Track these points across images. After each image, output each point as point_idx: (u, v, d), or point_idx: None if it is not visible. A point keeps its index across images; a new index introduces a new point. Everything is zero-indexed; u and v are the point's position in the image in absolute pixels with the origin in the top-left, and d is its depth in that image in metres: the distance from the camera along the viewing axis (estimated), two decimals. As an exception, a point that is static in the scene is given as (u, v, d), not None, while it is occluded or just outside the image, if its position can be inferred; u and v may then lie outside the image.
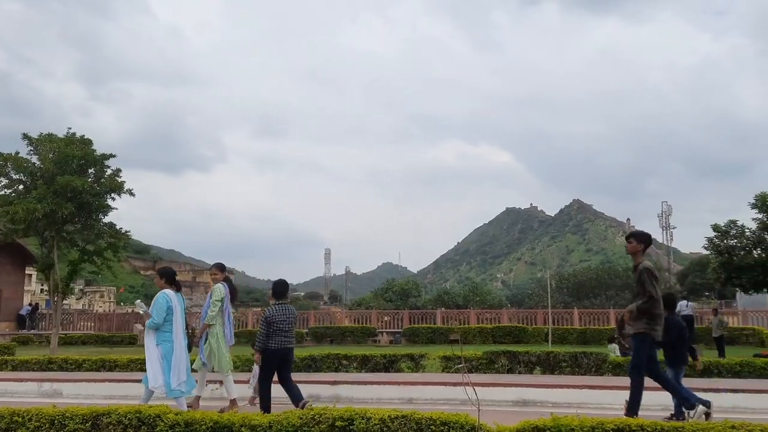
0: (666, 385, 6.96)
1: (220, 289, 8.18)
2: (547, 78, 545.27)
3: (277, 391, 7.97)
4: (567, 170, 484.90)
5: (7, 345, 18.09)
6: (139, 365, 11.88)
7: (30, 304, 37.06)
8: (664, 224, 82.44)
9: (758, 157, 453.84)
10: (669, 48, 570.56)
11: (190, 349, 7.83)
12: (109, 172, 22.21)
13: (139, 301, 7.95)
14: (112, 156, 22.40)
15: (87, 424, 5.58)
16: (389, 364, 12.39)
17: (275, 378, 7.59)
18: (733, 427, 4.66)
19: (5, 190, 21.67)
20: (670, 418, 7.27)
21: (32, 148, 21.77)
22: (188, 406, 7.26)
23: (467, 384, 6.40)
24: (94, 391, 10.39)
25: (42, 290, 66.30)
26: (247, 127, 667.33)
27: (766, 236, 24.23)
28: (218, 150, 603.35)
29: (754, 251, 24.55)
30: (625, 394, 6.77)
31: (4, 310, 32.48)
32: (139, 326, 28.20)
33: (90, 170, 21.97)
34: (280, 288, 7.84)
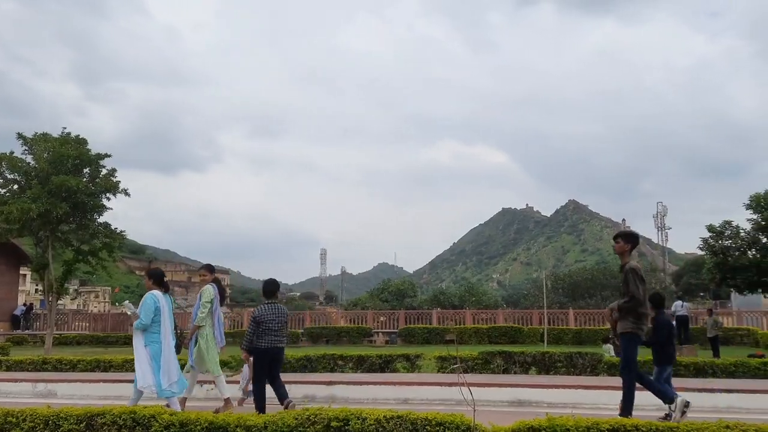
0: (641, 381, 6.96)
1: (209, 291, 8.16)
2: (543, 78, 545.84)
3: (271, 391, 7.96)
4: (563, 171, 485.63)
5: (2, 345, 18.06)
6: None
7: (24, 305, 36.90)
8: (659, 225, 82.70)
9: (754, 158, 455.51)
10: (665, 49, 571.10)
11: (178, 350, 7.82)
12: (104, 171, 22.20)
13: (127, 301, 7.96)
14: (107, 156, 22.38)
15: (81, 425, 5.57)
16: (385, 365, 12.39)
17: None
18: (727, 427, 4.68)
19: (0, 189, 21.63)
20: (665, 417, 7.28)
21: (27, 148, 21.73)
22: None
23: (463, 384, 6.39)
24: (88, 391, 10.37)
25: (36, 290, 66.01)
26: (243, 127, 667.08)
27: (760, 237, 24.33)
28: (214, 150, 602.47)
29: (749, 252, 24.65)
30: (620, 395, 6.78)
31: (-2, 311, 32.35)
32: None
33: (85, 170, 21.94)
34: (270, 287, 7.86)
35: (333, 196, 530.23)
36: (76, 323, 32.90)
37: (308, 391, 9.81)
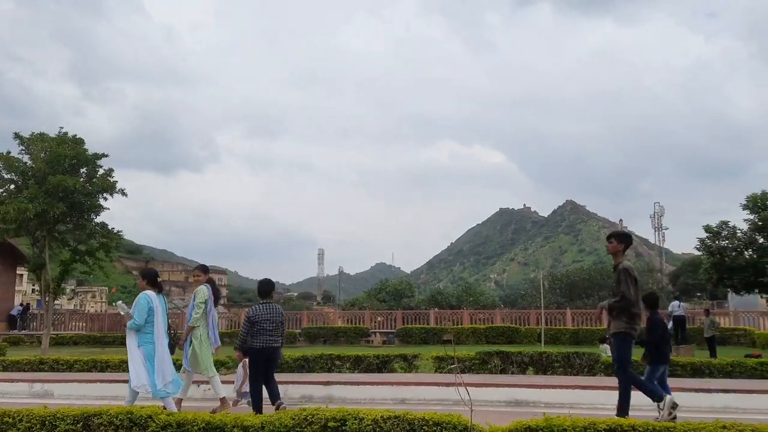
0: (632, 380, 6.96)
1: (203, 291, 8.15)
2: (541, 79, 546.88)
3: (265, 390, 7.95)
4: (560, 171, 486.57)
5: (-2, 345, 17.98)
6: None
7: (21, 305, 36.84)
8: (656, 225, 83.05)
9: (752, 159, 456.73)
10: (663, 49, 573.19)
11: (172, 350, 7.80)
12: (101, 171, 22.16)
13: (120, 302, 7.94)
14: (104, 156, 22.33)
15: (78, 425, 5.56)
16: (382, 365, 12.39)
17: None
18: (724, 427, 4.68)
19: (-4, 189, 21.58)
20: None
21: (24, 148, 21.69)
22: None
23: (460, 384, 6.40)
24: (85, 391, 10.35)
25: (33, 290, 65.96)
26: (241, 126, 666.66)
27: (757, 237, 24.37)
28: (211, 150, 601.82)
29: (746, 252, 24.68)
30: (617, 395, 6.79)
31: (-5, 311, 32.28)
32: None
33: (82, 170, 21.90)
34: (265, 287, 7.87)
35: (331, 196, 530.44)
36: (73, 323, 32.87)
37: (305, 392, 9.81)
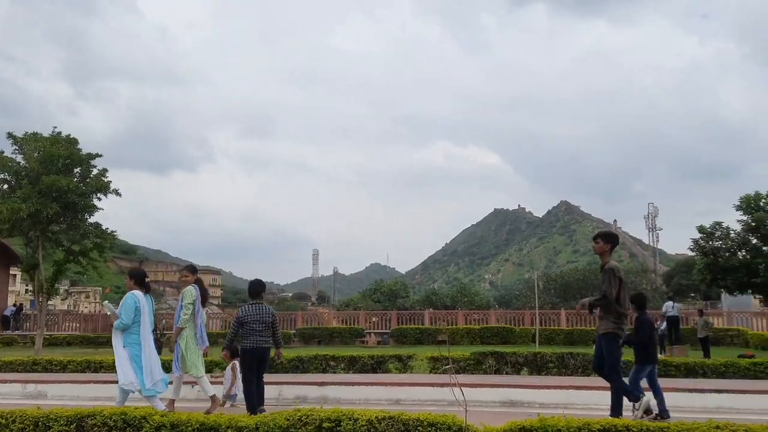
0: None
1: (191, 292, 8.12)
2: (536, 79, 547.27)
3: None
4: (555, 171, 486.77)
5: (-9, 346, 17.91)
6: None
7: (14, 305, 36.66)
8: (650, 226, 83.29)
9: (745, 160, 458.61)
10: (656, 50, 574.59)
11: (159, 350, 7.80)
12: (95, 171, 22.09)
13: (106, 301, 7.96)
14: (98, 155, 22.27)
15: (71, 426, 5.54)
16: (377, 365, 12.39)
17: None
18: (717, 427, 4.70)
19: (-10, 189, 21.49)
20: (655, 418, 7.33)
21: (17, 148, 21.61)
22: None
23: (455, 385, 6.41)
24: (79, 392, 10.32)
25: (27, 291, 65.64)
26: (235, 126, 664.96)
27: (750, 238, 24.49)
28: (206, 150, 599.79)
29: (739, 253, 24.80)
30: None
31: (-13, 311, 32.11)
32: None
33: (76, 170, 21.82)
34: (255, 288, 7.91)
35: (326, 196, 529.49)
36: (67, 324, 32.70)
37: (300, 392, 9.81)
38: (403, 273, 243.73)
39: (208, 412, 7.28)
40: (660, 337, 20.82)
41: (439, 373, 11.49)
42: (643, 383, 7.88)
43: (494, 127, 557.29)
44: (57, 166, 20.95)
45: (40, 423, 5.61)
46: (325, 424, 5.04)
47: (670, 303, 21.72)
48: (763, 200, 24.87)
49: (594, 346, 7.18)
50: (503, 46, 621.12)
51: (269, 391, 9.47)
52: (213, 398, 7.93)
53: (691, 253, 30.10)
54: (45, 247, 21.88)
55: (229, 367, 9.37)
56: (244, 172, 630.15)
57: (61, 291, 62.48)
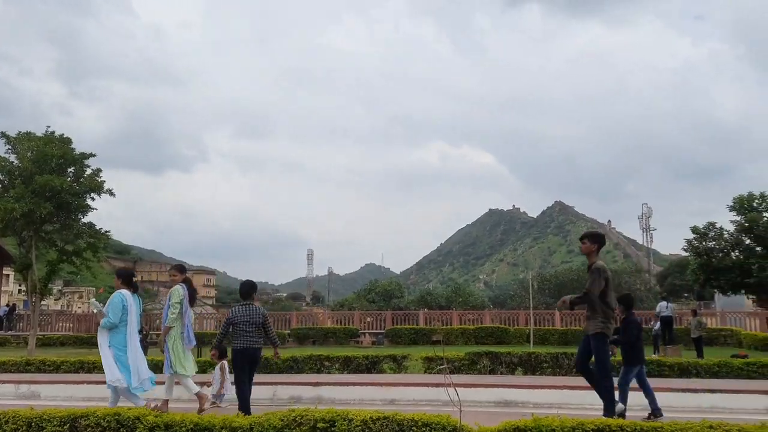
0: (586, 375, 6.98)
1: (178, 291, 8.10)
2: (530, 80, 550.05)
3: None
4: (549, 172, 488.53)
5: (-16, 346, 17.82)
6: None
7: (7, 305, 36.57)
8: (644, 226, 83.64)
9: (738, 160, 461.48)
10: (650, 51, 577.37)
11: (145, 350, 7.80)
12: (88, 171, 22.01)
13: (93, 299, 7.96)
14: (92, 155, 22.19)
15: (65, 427, 5.52)
16: (371, 366, 12.38)
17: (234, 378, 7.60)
18: (711, 426, 4.71)
19: (-18, 189, 21.38)
20: (648, 417, 7.36)
21: (10, 147, 21.51)
22: (157, 409, 7.24)
23: (449, 385, 6.41)
24: (72, 393, 10.28)
25: (20, 291, 65.37)
26: (229, 126, 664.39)
27: (743, 238, 24.62)
28: (200, 149, 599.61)
29: (732, 253, 24.94)
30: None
31: (-20, 311, 31.95)
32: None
33: (69, 169, 21.74)
34: (246, 288, 7.92)
35: (320, 196, 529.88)
36: (60, 324, 32.57)
37: (294, 393, 9.79)
38: (398, 273, 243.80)
39: (200, 410, 7.30)
40: (654, 337, 20.92)
41: (434, 374, 11.49)
42: (633, 383, 7.90)
43: (489, 127, 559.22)
44: (50, 166, 20.87)
45: (33, 424, 5.58)
46: (319, 425, 5.03)
47: (663, 303, 21.77)
48: (756, 201, 25.02)
49: (578, 346, 7.18)
50: (498, 47, 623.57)
51: (263, 392, 9.47)
52: (199, 395, 7.91)
53: (684, 254, 30.26)
54: (38, 247, 21.80)
55: (217, 367, 9.37)
56: (239, 172, 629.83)
57: (55, 291, 62.32)
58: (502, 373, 11.91)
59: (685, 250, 26.63)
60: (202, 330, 28.98)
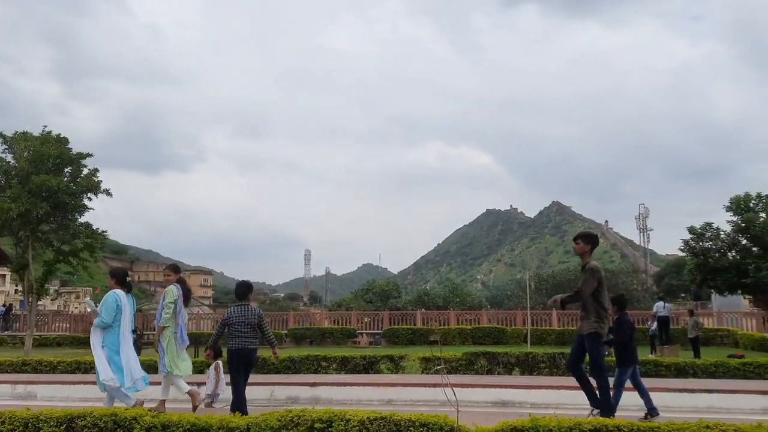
0: (577, 375, 6.99)
1: (173, 291, 8.09)
2: (528, 80, 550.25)
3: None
4: (546, 172, 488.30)
5: (-20, 347, 17.78)
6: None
7: (4, 305, 36.43)
8: (641, 226, 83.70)
9: (735, 161, 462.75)
10: (648, 52, 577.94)
11: (138, 350, 7.80)
12: (85, 171, 21.98)
13: (88, 299, 7.96)
14: (88, 155, 22.16)
15: (61, 427, 5.51)
16: (369, 366, 12.38)
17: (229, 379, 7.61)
18: (707, 426, 4.72)
19: (-21, 189, 21.33)
20: (645, 417, 7.36)
21: (7, 147, 21.48)
22: (154, 410, 7.24)
23: (446, 385, 6.42)
24: (69, 393, 10.26)
25: (16, 291, 65.18)
26: (227, 126, 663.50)
27: (740, 239, 24.65)
28: (197, 149, 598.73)
29: (729, 253, 24.97)
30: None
31: (-24, 311, 31.87)
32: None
33: (66, 169, 21.71)
34: (241, 289, 7.91)
35: (318, 196, 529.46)
36: (57, 324, 32.51)
37: (291, 393, 9.78)
38: (395, 273, 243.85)
39: (194, 408, 7.31)
40: (651, 337, 20.95)
41: (431, 374, 11.49)
42: (627, 384, 7.90)
43: (487, 127, 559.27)
44: (47, 166, 20.83)
45: (29, 424, 5.57)
46: (316, 425, 5.02)
47: (660, 303, 21.80)
48: (753, 201, 25.08)
49: (572, 346, 7.18)
50: (496, 47, 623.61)
51: (260, 392, 9.47)
52: (190, 393, 7.90)
53: (681, 254, 30.27)
54: (35, 247, 21.76)
55: (212, 367, 9.36)
56: (237, 172, 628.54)
57: (51, 291, 62.20)
58: (499, 374, 11.92)
59: (681, 250, 26.64)
60: (200, 330, 28.95)
